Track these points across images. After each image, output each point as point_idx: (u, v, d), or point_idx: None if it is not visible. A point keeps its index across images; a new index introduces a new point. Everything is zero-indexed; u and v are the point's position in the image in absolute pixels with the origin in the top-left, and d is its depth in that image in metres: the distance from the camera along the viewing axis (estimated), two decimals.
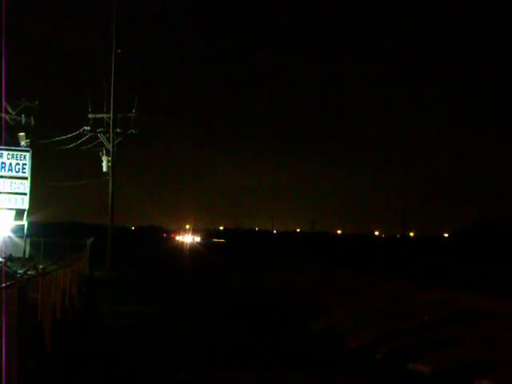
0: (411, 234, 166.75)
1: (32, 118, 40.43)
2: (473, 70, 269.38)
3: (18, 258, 37.82)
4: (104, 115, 38.67)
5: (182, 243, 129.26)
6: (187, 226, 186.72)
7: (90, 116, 39.21)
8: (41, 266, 14.88)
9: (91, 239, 42.07)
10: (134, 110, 38.75)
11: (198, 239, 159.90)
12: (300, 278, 42.83)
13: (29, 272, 15.16)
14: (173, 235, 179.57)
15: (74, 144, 39.81)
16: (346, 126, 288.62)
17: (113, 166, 38.57)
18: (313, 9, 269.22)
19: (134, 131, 39.09)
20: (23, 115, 40.06)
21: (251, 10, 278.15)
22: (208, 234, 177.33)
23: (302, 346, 21.73)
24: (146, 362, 17.02)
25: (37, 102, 40.76)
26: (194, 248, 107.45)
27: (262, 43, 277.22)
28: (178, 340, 20.88)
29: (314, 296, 33.08)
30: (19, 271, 13.57)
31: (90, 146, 39.72)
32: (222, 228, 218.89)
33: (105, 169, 38.95)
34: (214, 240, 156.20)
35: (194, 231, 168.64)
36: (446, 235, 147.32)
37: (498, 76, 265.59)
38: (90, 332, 21.23)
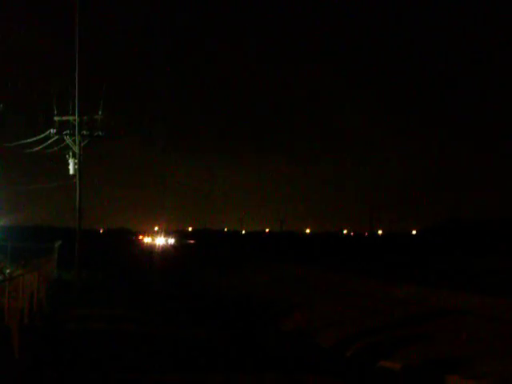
0: (379, 232, 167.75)
1: None
2: (439, 69, 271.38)
3: None
4: (70, 117, 38.21)
5: (153, 246, 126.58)
6: (156, 228, 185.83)
7: (55, 118, 38.71)
8: (8, 271, 14.74)
9: (59, 242, 41.69)
10: (100, 112, 38.45)
11: (171, 241, 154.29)
12: (271, 277, 42.82)
13: None
14: (140, 237, 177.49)
15: (41, 147, 39.39)
16: (311, 124, 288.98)
17: (80, 168, 38.24)
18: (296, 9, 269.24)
19: (100, 133, 38.76)
20: None
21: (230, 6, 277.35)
22: (180, 235, 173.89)
23: (274, 345, 21.71)
24: (117, 365, 16.86)
25: (1, 105, 40.26)
26: (165, 250, 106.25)
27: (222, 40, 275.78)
28: (149, 342, 20.70)
29: (286, 295, 33.08)
30: None
31: (56, 148, 39.27)
32: (190, 229, 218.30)
33: (72, 171, 38.48)
34: (189, 241, 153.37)
35: (166, 233, 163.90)
36: (414, 232, 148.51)
37: (462, 75, 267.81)
38: (59, 336, 20.98)
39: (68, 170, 38.68)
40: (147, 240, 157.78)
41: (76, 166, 37.87)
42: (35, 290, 19.35)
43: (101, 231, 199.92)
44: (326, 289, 33.40)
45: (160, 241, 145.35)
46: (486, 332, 19.27)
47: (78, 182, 37.95)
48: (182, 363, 17.47)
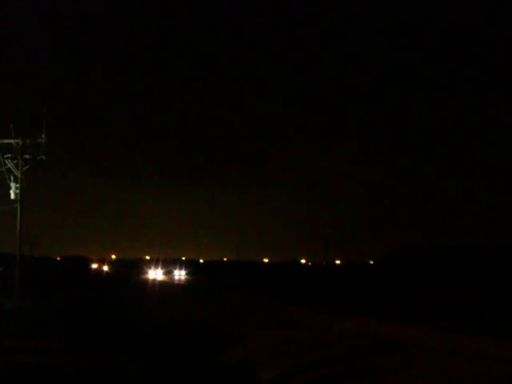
0: (337, 262, 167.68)
1: None
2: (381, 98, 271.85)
3: None
4: (12, 141, 37.16)
5: (107, 273, 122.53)
6: (113, 256, 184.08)
7: None
8: None
9: (0, 269, 40.27)
10: (43, 136, 37.37)
11: (182, 273, 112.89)
12: (219, 307, 41.96)
13: None
14: (96, 265, 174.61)
15: None
16: (265, 155, 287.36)
17: (21, 193, 37.10)
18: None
19: (43, 157, 37.68)
20: None
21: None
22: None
23: (215, 379, 20.93)
24: None
25: None
26: (113, 277, 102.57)
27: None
28: (82, 377, 19.67)
29: (231, 326, 32.24)
30: None
31: None
32: (148, 258, 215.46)
33: (13, 196, 37.39)
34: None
35: (164, 262, 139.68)
36: (371, 262, 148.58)
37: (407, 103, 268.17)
38: None
39: (9, 194, 37.59)
40: (105, 268, 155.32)
41: (17, 191, 36.82)
42: None
43: (58, 258, 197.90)
44: (273, 320, 32.59)
45: (155, 274, 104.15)
46: (431, 366, 18.59)
47: (19, 207, 36.90)
48: None
